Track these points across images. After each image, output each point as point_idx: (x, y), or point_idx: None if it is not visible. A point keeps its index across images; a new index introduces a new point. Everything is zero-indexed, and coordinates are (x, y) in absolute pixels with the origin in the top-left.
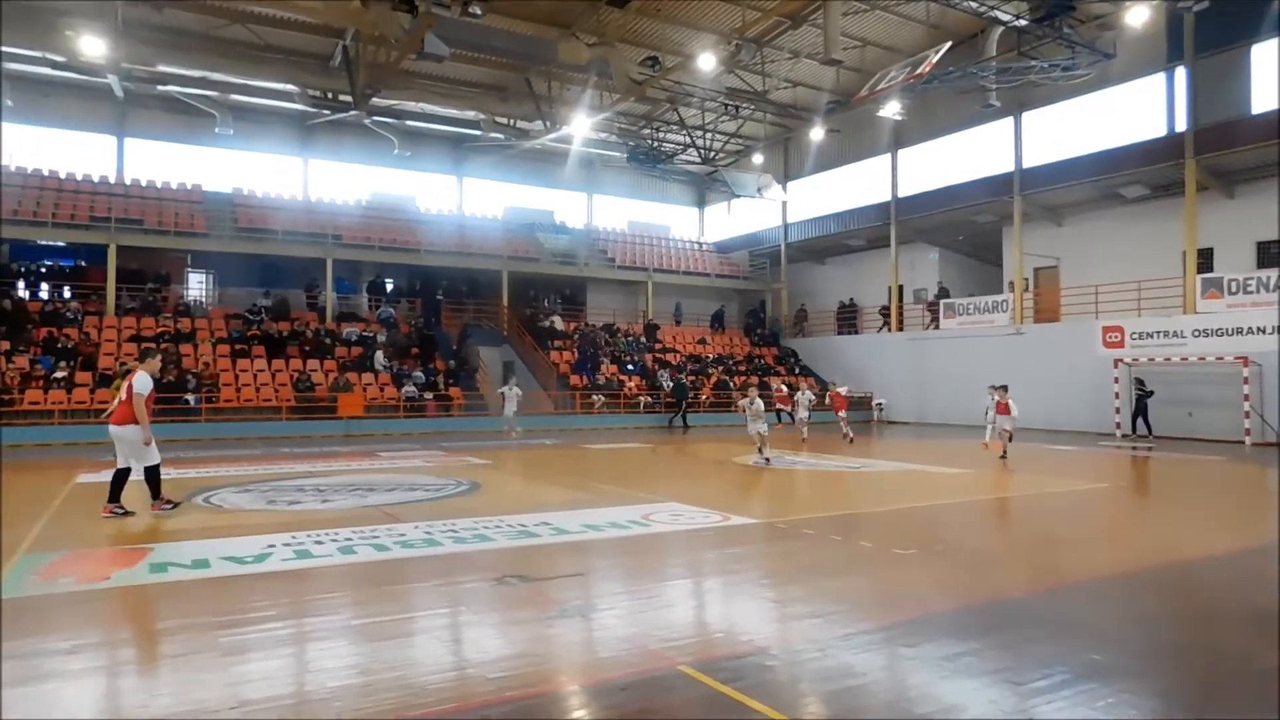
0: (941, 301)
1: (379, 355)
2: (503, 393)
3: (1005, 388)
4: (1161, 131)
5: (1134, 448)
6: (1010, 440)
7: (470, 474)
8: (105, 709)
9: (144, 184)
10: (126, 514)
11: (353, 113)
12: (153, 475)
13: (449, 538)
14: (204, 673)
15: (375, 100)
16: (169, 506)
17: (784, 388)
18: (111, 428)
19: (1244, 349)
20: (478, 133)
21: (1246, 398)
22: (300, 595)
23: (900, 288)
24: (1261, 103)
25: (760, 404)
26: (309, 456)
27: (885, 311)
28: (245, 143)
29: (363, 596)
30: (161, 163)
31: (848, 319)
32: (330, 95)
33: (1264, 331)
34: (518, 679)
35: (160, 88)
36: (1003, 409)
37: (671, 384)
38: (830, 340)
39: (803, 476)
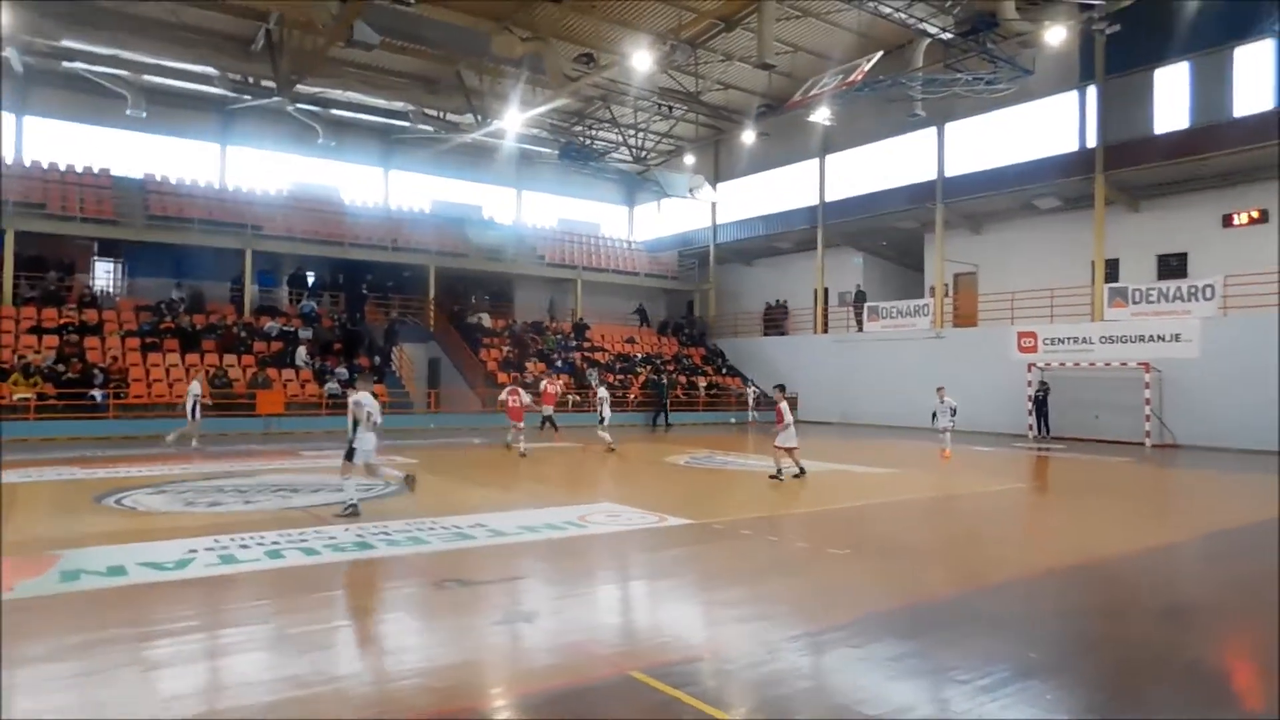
0: (865, 305)
1: (301, 351)
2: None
3: (782, 387)
4: (1074, 146)
5: (1043, 449)
6: (799, 469)
7: (396, 474)
8: None
9: (46, 166)
10: None
11: (275, 99)
12: None
13: (381, 540)
14: (126, 689)
15: (300, 87)
16: None
17: (548, 388)
18: None
19: (1146, 355)
20: (406, 124)
21: (1148, 402)
22: (228, 603)
23: (826, 290)
24: (1164, 123)
25: (365, 408)
26: (227, 456)
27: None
28: (159, 126)
29: (294, 604)
30: (66, 144)
31: (775, 321)
32: (252, 80)
33: (1164, 339)
34: (465, 688)
35: (66, 64)
36: (779, 416)
37: (655, 382)
38: (757, 341)
39: (733, 477)
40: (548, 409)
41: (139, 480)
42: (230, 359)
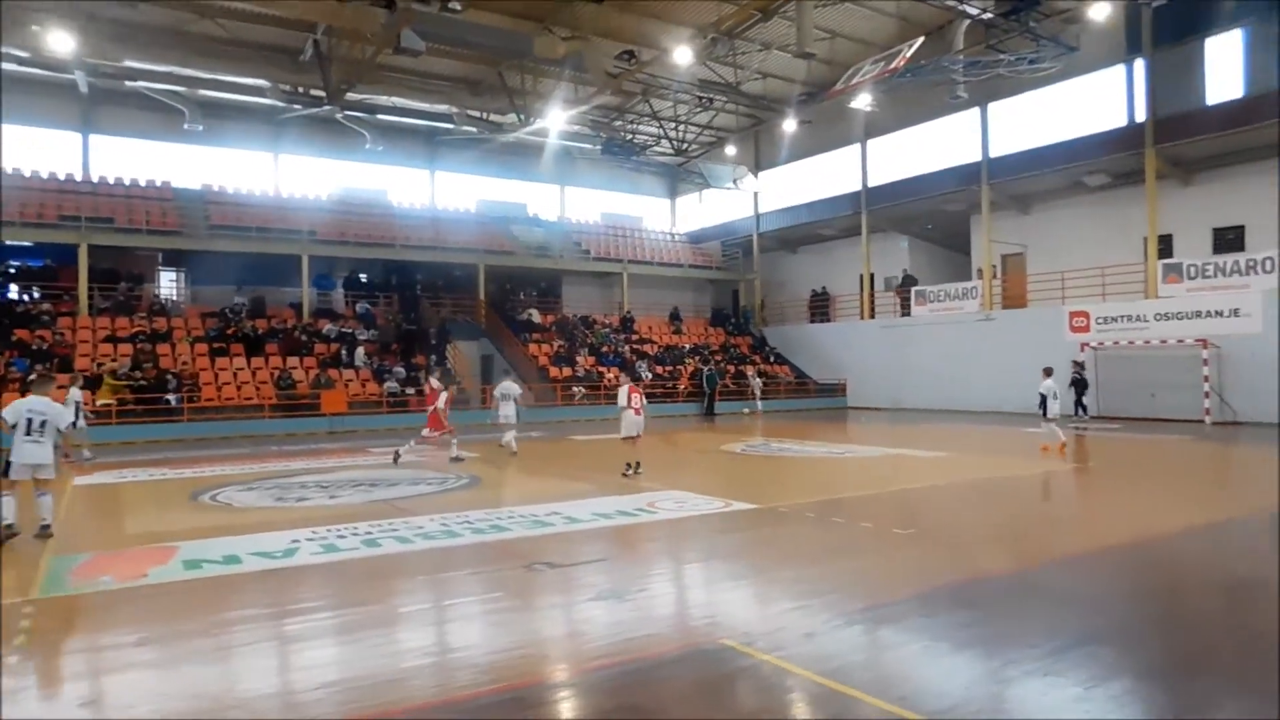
0: (913, 289)
1: (360, 351)
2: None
3: (629, 373)
4: (1122, 121)
5: (1085, 429)
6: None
7: (465, 468)
8: (196, 694)
9: (112, 181)
10: None
11: (325, 108)
12: None
13: (466, 529)
14: (275, 659)
15: (348, 95)
16: None
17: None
18: None
19: (1203, 332)
20: (450, 126)
21: (1206, 379)
22: (342, 586)
23: (871, 276)
24: (1216, 94)
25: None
26: (299, 454)
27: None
28: (215, 139)
29: (404, 586)
30: (129, 160)
31: (820, 307)
32: (302, 90)
33: (1222, 314)
34: (574, 656)
35: (127, 83)
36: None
37: (706, 374)
38: (804, 328)
39: (790, 463)
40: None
41: (227, 478)
42: (293, 361)
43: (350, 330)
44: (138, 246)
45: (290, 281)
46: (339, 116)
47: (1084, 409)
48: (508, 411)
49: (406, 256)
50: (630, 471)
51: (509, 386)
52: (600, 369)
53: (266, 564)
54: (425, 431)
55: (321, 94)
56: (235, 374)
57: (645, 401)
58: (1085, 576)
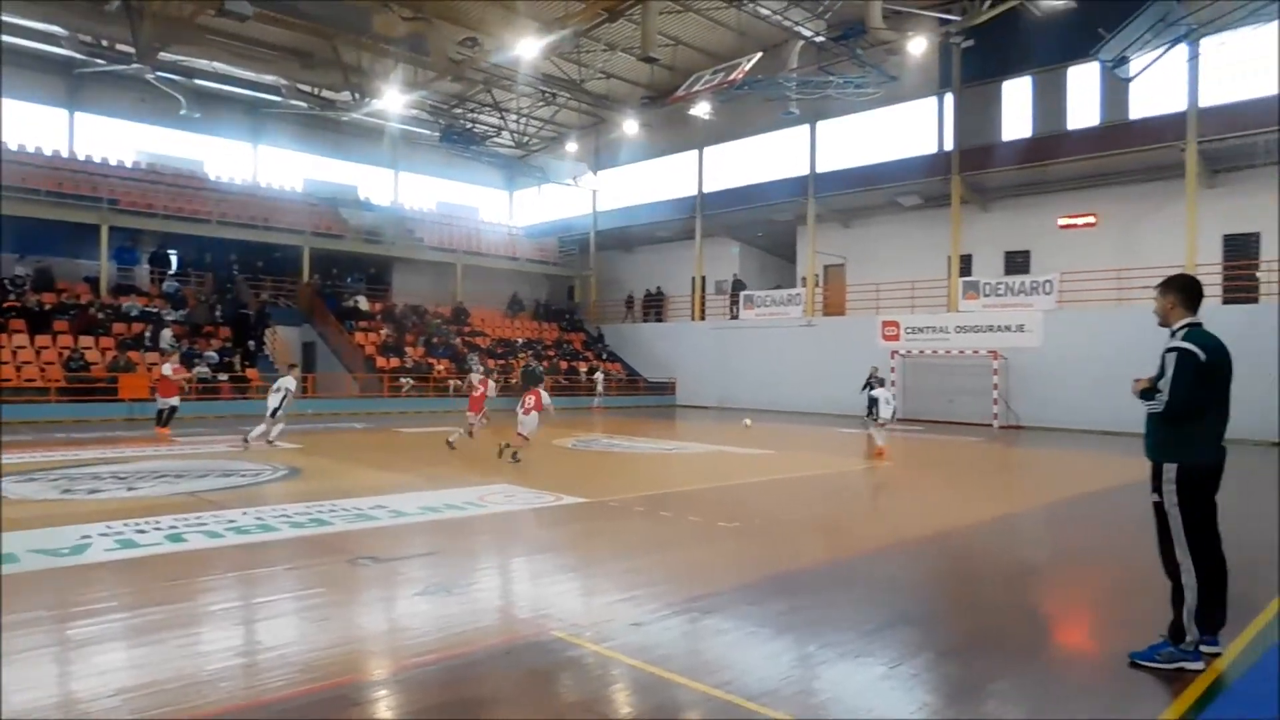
0: (741, 293)
1: (166, 333)
2: None
3: (531, 372)
4: (933, 149)
5: (888, 431)
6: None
7: (283, 458)
8: None
9: None
10: None
11: (134, 66)
12: None
13: (284, 523)
14: (59, 665)
15: (161, 55)
16: None
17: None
18: None
19: (995, 344)
20: (277, 99)
21: (996, 387)
22: (142, 585)
23: (704, 279)
24: (1010, 131)
25: None
26: (93, 442)
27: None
28: None
29: (213, 583)
30: None
31: (654, 307)
32: (106, 44)
33: (1010, 329)
34: (401, 650)
35: None
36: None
37: (524, 370)
38: (637, 327)
39: (619, 458)
40: (169, 400)
41: (1, 468)
42: (87, 341)
43: (156, 310)
44: None
45: (86, 253)
46: (149, 77)
47: (875, 414)
48: (272, 403)
49: (223, 234)
50: (503, 449)
51: (285, 380)
52: (430, 360)
53: (50, 562)
54: (472, 416)
55: (130, 50)
56: (15, 352)
57: (539, 401)
58: (893, 565)
